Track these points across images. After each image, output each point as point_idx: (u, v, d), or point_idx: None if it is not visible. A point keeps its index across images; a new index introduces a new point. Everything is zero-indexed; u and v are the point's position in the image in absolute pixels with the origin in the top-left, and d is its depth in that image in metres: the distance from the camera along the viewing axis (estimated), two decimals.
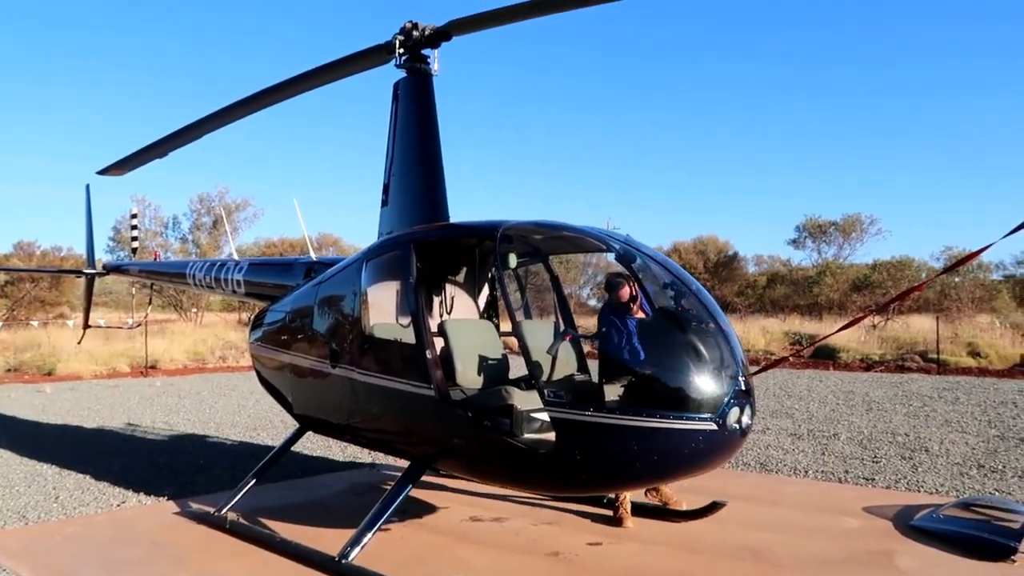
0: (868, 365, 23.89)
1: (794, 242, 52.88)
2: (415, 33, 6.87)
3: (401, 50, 6.95)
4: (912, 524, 6.64)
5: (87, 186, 12.68)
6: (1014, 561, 5.70)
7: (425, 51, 7.06)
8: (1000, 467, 9.39)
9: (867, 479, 8.84)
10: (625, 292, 6.37)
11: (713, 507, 6.95)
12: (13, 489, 8.70)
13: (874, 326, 29.61)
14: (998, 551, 5.81)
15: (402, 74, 7.17)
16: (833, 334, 8.70)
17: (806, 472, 9.27)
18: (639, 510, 7.01)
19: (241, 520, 6.84)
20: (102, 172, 9.62)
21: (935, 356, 23.32)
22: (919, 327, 28.28)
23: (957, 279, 36.88)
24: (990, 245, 6.72)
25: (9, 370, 23.15)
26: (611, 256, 6.12)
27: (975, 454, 10.24)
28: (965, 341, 24.66)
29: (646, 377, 5.37)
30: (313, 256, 8.11)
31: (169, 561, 5.99)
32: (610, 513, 6.96)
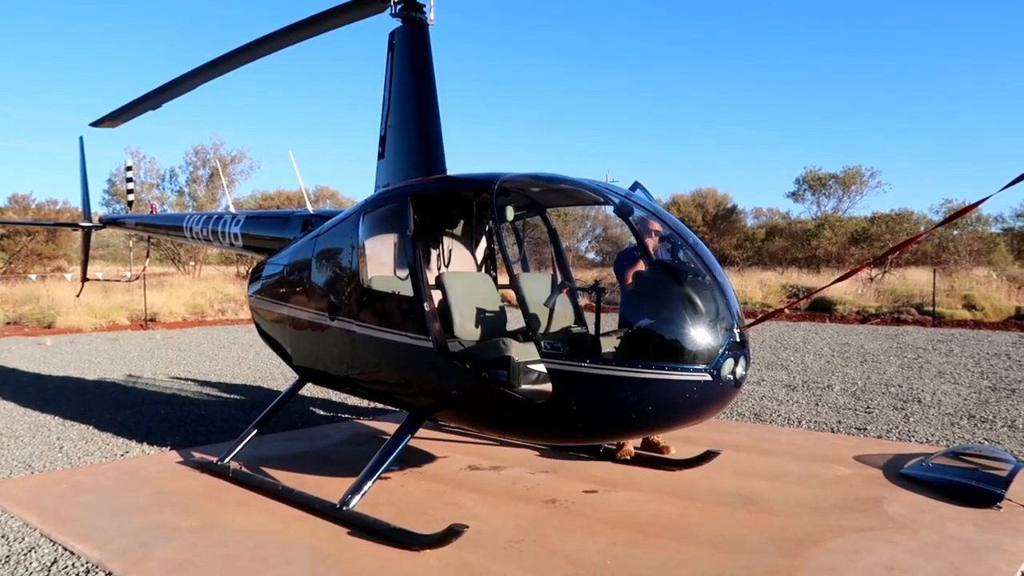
0: (864, 317, 24.02)
1: (793, 195, 52.99)
2: None
3: None
4: (902, 472, 6.77)
5: (80, 138, 12.58)
6: (999, 507, 5.83)
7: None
8: (990, 417, 9.54)
9: (859, 429, 8.98)
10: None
11: (707, 456, 7.09)
12: (18, 439, 8.83)
13: (871, 279, 29.71)
14: (985, 498, 5.94)
15: (397, 23, 7.05)
16: (829, 286, 8.75)
17: (799, 422, 9.40)
18: (633, 459, 7.13)
19: (243, 469, 6.96)
20: (95, 124, 9.50)
21: (931, 309, 23.45)
22: (916, 280, 28.38)
23: (955, 232, 36.90)
24: (987, 197, 6.72)
25: (9, 323, 23.26)
26: (609, 209, 6.09)
27: (966, 405, 10.38)
28: (961, 294, 24.78)
29: (641, 329, 5.42)
30: (310, 209, 8.08)
31: (175, 508, 6.11)
32: (607, 463, 7.09)
